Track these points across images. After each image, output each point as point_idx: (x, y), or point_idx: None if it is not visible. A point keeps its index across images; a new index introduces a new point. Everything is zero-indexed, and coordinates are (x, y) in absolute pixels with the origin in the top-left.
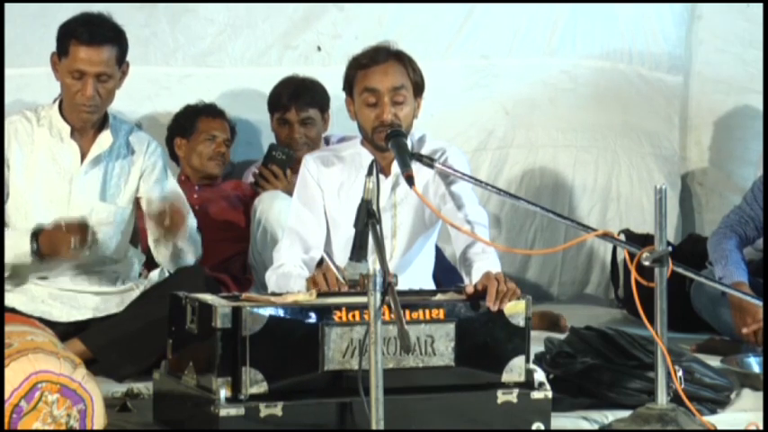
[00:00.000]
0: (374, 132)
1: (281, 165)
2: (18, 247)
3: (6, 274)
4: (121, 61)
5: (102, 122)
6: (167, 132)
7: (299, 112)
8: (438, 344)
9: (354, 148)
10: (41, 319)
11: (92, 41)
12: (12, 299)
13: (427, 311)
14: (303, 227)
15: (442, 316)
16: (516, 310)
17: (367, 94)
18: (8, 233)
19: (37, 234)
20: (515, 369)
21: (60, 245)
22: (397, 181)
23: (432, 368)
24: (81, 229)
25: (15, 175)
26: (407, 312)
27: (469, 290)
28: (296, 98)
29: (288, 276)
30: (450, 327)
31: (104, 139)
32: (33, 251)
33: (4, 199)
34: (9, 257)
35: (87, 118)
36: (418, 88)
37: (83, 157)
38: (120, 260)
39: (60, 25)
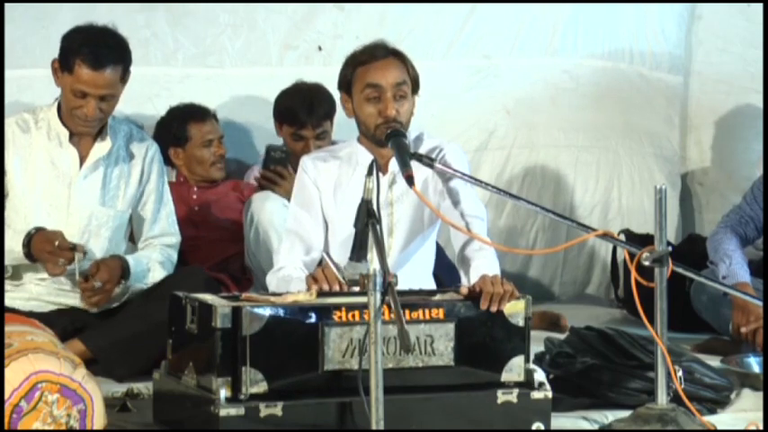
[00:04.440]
0: (377, 128)
1: (283, 163)
2: (10, 250)
3: (7, 275)
4: (125, 77)
5: (101, 126)
6: (157, 141)
7: (315, 128)
8: (438, 344)
9: (351, 146)
10: (41, 317)
11: (97, 66)
12: (12, 298)
13: (427, 311)
14: (302, 229)
15: (441, 316)
16: (516, 309)
17: (370, 89)
18: (7, 233)
19: (31, 236)
20: (515, 368)
21: (46, 259)
22: (394, 179)
23: (431, 368)
24: (70, 251)
25: (14, 179)
26: (407, 312)
27: (464, 291)
28: (311, 114)
29: (288, 280)
30: (450, 326)
31: (103, 144)
32: (24, 253)
33: (5, 200)
34: (6, 258)
35: (87, 131)
36: (416, 85)
37: (81, 161)
38: None
39: (64, 36)
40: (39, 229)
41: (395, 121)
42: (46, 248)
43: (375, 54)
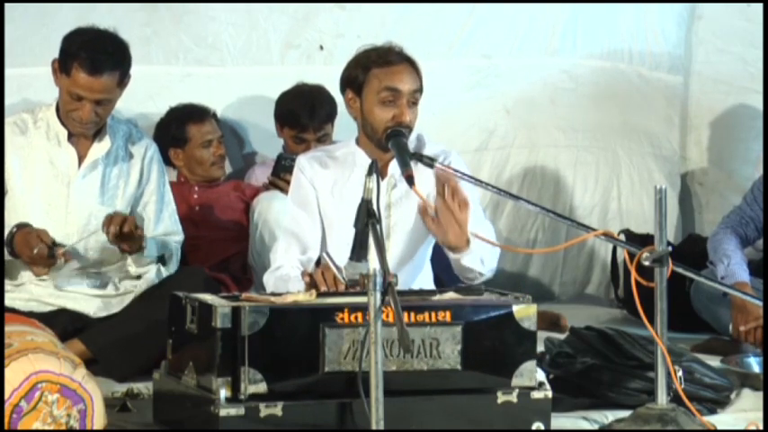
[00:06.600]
0: (385, 131)
1: (292, 171)
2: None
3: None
4: (123, 81)
5: (100, 126)
6: (157, 142)
7: (317, 132)
8: (443, 347)
9: (348, 147)
10: (41, 317)
11: (93, 71)
12: (12, 298)
13: (433, 313)
14: (299, 228)
15: (448, 318)
16: (527, 313)
17: (387, 93)
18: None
19: (13, 235)
20: (526, 374)
21: (27, 263)
22: (393, 182)
23: (436, 371)
24: (50, 259)
25: (13, 178)
26: (413, 314)
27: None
28: (312, 117)
29: (286, 279)
30: (457, 329)
31: (102, 144)
32: (9, 252)
33: (4, 200)
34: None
35: (83, 133)
36: (422, 92)
37: (80, 160)
38: (117, 262)
39: (65, 37)
40: (20, 227)
41: (407, 126)
42: (25, 253)
43: (391, 58)
